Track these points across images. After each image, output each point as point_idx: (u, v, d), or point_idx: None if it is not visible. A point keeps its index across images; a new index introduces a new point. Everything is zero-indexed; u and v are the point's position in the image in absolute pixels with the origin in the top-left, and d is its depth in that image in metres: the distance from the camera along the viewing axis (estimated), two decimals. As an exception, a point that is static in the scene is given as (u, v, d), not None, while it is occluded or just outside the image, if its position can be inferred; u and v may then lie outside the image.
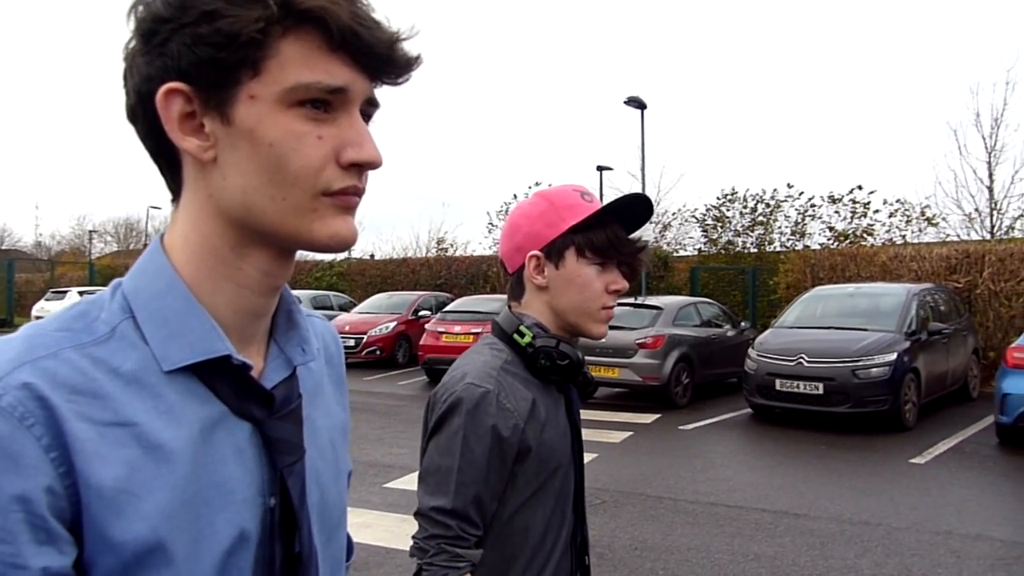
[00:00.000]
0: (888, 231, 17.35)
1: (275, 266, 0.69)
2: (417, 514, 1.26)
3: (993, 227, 16.47)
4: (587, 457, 1.07)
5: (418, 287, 18.79)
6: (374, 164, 0.67)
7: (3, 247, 45.64)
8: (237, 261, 0.68)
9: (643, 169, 16.68)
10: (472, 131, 64.07)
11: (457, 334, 11.95)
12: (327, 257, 21.49)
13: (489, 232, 23.97)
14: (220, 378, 0.67)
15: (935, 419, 8.82)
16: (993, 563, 4.49)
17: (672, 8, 66.52)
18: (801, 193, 18.36)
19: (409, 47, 0.66)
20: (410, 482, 6.08)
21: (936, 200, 18.30)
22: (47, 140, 76.52)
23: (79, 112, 79.83)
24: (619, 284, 1.34)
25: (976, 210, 16.69)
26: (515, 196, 23.84)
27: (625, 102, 15.48)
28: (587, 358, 1.41)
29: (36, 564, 0.56)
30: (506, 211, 22.93)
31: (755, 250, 18.45)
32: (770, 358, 8.75)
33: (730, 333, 11.31)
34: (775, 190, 18.72)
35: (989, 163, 16.69)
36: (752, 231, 18.86)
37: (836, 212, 17.88)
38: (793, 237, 18.31)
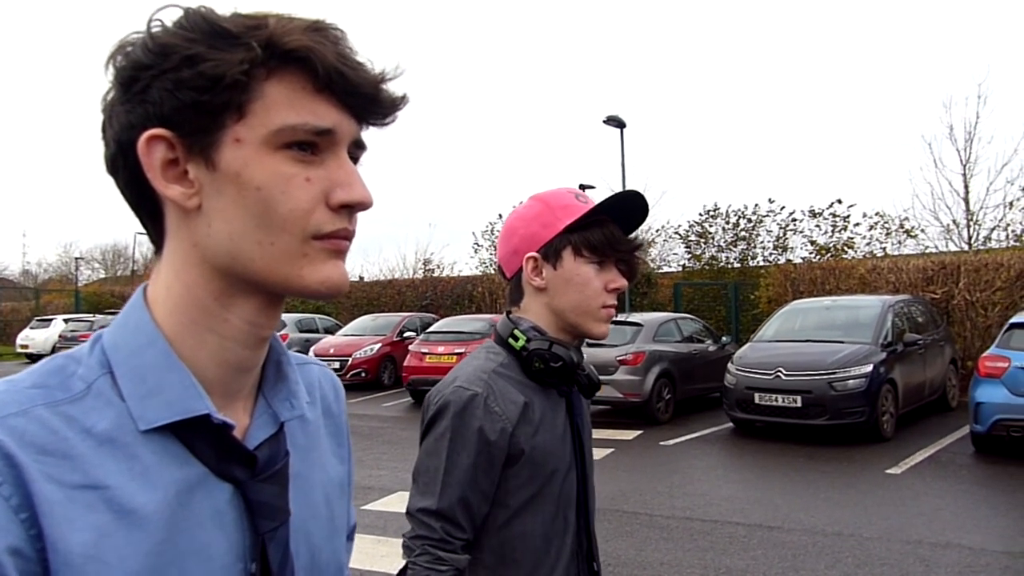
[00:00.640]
0: (868, 244, 17.56)
1: (262, 316, 0.67)
2: (407, 513, 1.27)
3: (970, 238, 16.69)
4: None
5: (404, 308, 18.81)
6: (365, 205, 0.65)
7: (-11, 276, 45.37)
8: (222, 312, 0.65)
9: (623, 187, 16.83)
10: (457, 152, 64.41)
11: (440, 354, 11.96)
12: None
13: (475, 252, 24.05)
14: (199, 438, 0.64)
15: (913, 429, 8.90)
16: (961, 570, 4.55)
17: (652, 27, 67.35)
18: (783, 208, 18.61)
19: (395, 87, 0.65)
20: (388, 504, 6.09)
21: (914, 212, 18.72)
22: (34, 168, 76.37)
23: (66, 139, 79.81)
24: (618, 282, 1.33)
25: (953, 222, 16.94)
26: (500, 216, 23.94)
27: (604, 121, 15.66)
28: None
29: None
30: (491, 231, 23.05)
31: (738, 265, 18.59)
32: (748, 372, 8.82)
33: (711, 348, 11.38)
34: (757, 205, 18.95)
35: (964, 175, 16.97)
36: (735, 246, 19.03)
37: (817, 226, 18.09)
38: (775, 252, 18.48)
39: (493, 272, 20.81)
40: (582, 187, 21.00)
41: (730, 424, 9.37)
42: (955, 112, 22.03)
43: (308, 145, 0.62)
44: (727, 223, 19.19)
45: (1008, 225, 16.28)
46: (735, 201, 25.93)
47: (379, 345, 14.33)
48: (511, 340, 1.32)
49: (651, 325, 10.42)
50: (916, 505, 5.95)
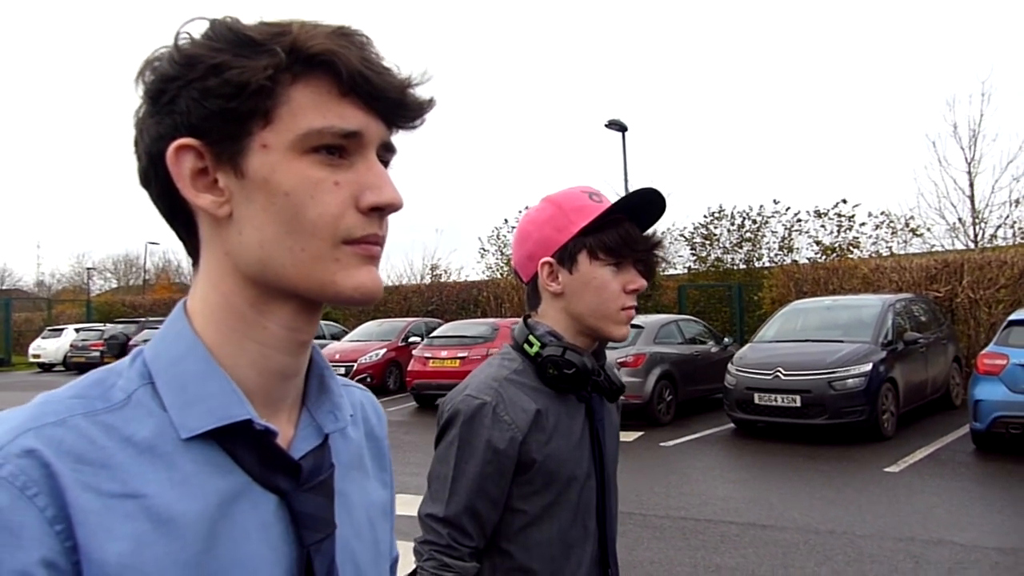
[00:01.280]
0: (874, 243, 17.48)
1: (300, 320, 0.66)
2: (418, 516, 1.27)
3: (976, 236, 16.60)
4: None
5: (410, 314, 18.89)
6: (395, 206, 0.65)
7: (3, 287, 45.90)
8: (260, 319, 0.65)
9: (627, 191, 16.85)
10: (464, 157, 64.64)
11: (444, 359, 12.04)
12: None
13: (481, 257, 24.11)
14: (242, 446, 0.63)
15: (915, 428, 8.88)
16: (951, 567, 4.56)
17: (656, 30, 67.35)
18: (788, 208, 18.52)
19: (421, 91, 0.65)
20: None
21: (920, 211, 18.47)
22: (48, 180, 77.19)
23: (79, 152, 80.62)
24: (637, 283, 1.30)
25: (959, 220, 16.85)
26: (506, 220, 24.01)
27: (606, 125, 15.70)
28: None
29: None
30: (497, 236, 23.13)
31: (744, 266, 18.55)
32: (748, 373, 8.84)
33: (713, 349, 11.39)
34: (762, 206, 18.91)
35: (969, 173, 16.87)
36: (740, 248, 18.98)
37: (822, 226, 17.98)
38: (781, 252, 18.42)
39: (499, 277, 20.87)
40: (586, 191, 21.08)
41: (731, 425, 9.38)
42: (959, 110, 22.09)
43: (336, 149, 0.62)
44: (732, 225, 19.14)
45: (1015, 223, 16.20)
46: (740, 202, 25.95)
47: (384, 350, 14.42)
48: (526, 346, 1.31)
49: (652, 327, 10.45)
50: (911, 503, 5.95)
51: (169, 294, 32.18)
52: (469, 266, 57.38)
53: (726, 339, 12.06)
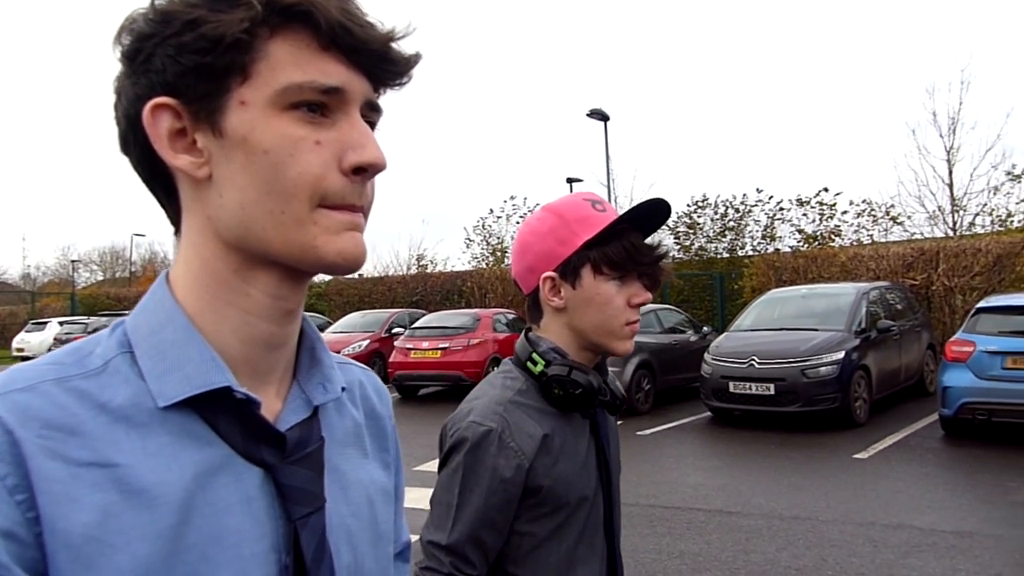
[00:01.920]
0: (856, 231, 17.64)
1: (285, 289, 0.64)
2: (420, 541, 1.23)
3: (955, 224, 16.78)
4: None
5: (395, 304, 18.93)
6: (378, 166, 0.62)
7: (-12, 280, 45.60)
8: (243, 285, 0.63)
9: (609, 180, 16.98)
10: (449, 146, 64.51)
11: (425, 350, 12.09)
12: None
13: (467, 247, 24.17)
14: (224, 416, 0.61)
15: (888, 415, 9.01)
16: (907, 550, 4.66)
17: (637, 19, 67.25)
18: (771, 197, 18.66)
19: (406, 44, 0.63)
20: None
21: (900, 199, 18.72)
22: (33, 172, 76.52)
23: (64, 142, 79.93)
24: (642, 297, 1.26)
25: (939, 208, 17.02)
26: (491, 211, 24.02)
27: (588, 115, 15.73)
28: None
29: None
30: (482, 225, 23.17)
31: (727, 255, 18.68)
32: (723, 361, 8.94)
33: (693, 338, 11.48)
34: (745, 195, 19.01)
35: (948, 161, 17.06)
36: (724, 237, 19.11)
37: (804, 215, 18.16)
38: (764, 241, 18.56)
39: (485, 267, 20.93)
40: (569, 181, 21.14)
41: (708, 414, 9.49)
42: (938, 99, 22.24)
43: (317, 106, 0.60)
44: (716, 214, 19.27)
45: (993, 210, 16.37)
46: (723, 191, 26.08)
47: (367, 342, 14.45)
48: (529, 364, 1.27)
49: (630, 317, 10.51)
50: (875, 488, 6.06)
51: (155, 286, 31.93)
52: (455, 256, 57.42)
53: (705, 328, 12.16)
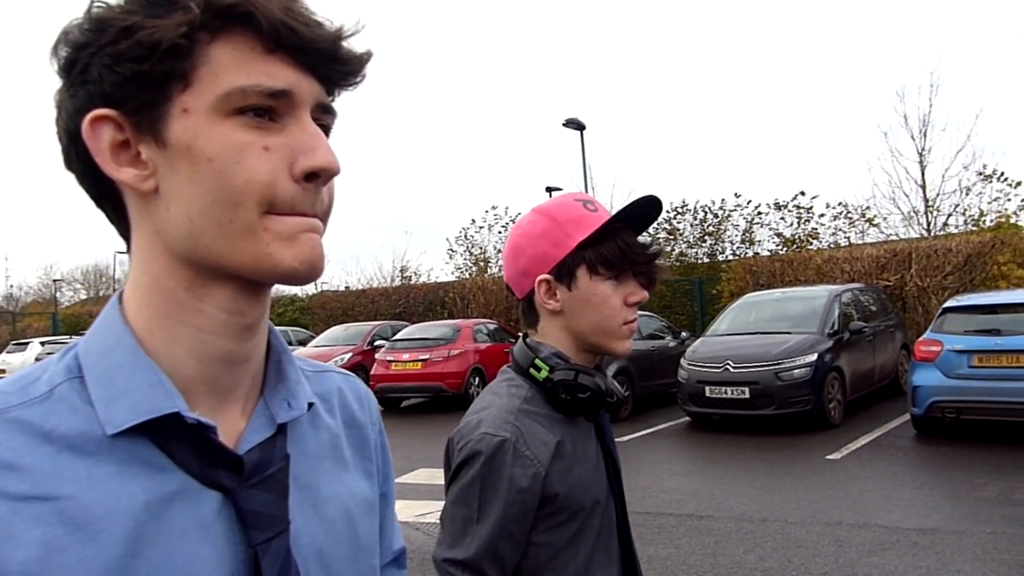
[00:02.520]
0: (834, 234, 17.84)
1: (242, 303, 0.62)
2: (434, 561, 1.20)
3: (929, 225, 17.00)
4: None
5: (378, 316, 18.92)
6: (330, 170, 0.60)
7: (-31, 301, 45.19)
8: (195, 302, 0.60)
9: (587, 188, 17.04)
10: (430, 157, 64.64)
11: (406, 362, 12.13)
12: (290, 290, 21.64)
13: (450, 258, 24.21)
14: (177, 441, 0.59)
15: (863, 415, 9.12)
16: (871, 548, 4.74)
17: (613, 27, 67.78)
18: (749, 202, 18.83)
19: (356, 43, 0.61)
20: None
21: (875, 202, 18.94)
22: (14, 191, 75.96)
23: (45, 160, 79.38)
24: (638, 295, 1.26)
25: (913, 210, 17.25)
26: (473, 221, 24.09)
27: (564, 124, 15.86)
28: None
29: None
30: (465, 236, 23.24)
31: (707, 260, 18.83)
32: (699, 366, 9.04)
33: (671, 344, 11.58)
34: (723, 200, 19.17)
35: (920, 163, 17.31)
36: (704, 242, 19.26)
37: (782, 219, 18.34)
38: (743, 246, 18.73)
39: (467, 277, 20.98)
40: (549, 190, 21.23)
41: (687, 419, 9.57)
42: (909, 101, 22.62)
43: (264, 110, 0.58)
44: (695, 219, 19.41)
45: (965, 211, 16.61)
46: (702, 197, 26.28)
47: (350, 355, 14.45)
48: (532, 370, 1.25)
49: (608, 324, 10.59)
50: (845, 488, 6.15)
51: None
52: (438, 267, 57.47)
53: (684, 334, 12.26)
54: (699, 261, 18.91)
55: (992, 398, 7.15)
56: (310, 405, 0.70)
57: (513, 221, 19.89)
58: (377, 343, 14.66)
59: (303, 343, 17.27)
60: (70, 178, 0.64)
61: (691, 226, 19.42)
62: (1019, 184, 15.83)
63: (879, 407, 9.64)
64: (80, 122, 0.58)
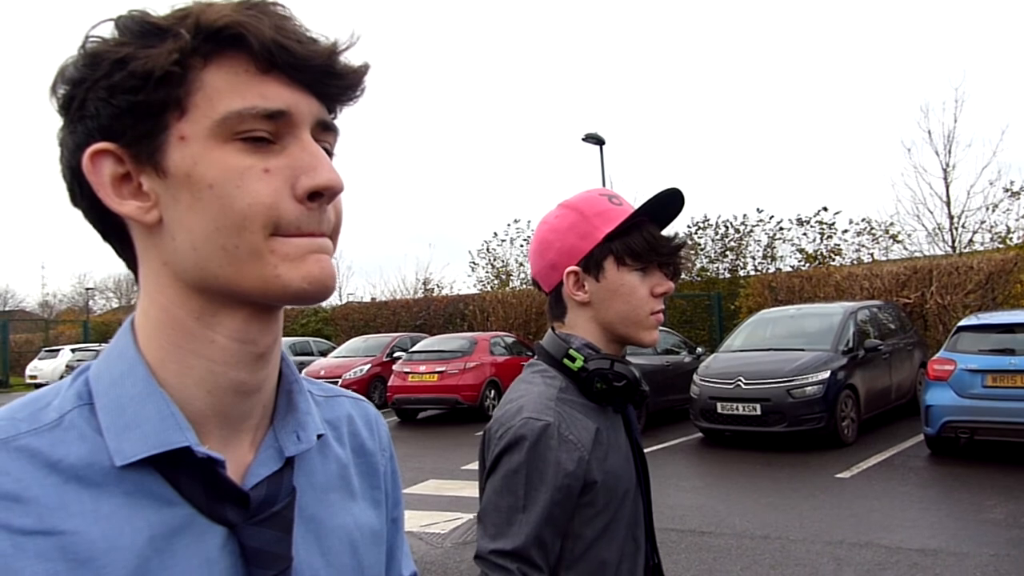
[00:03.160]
0: (857, 251, 17.67)
1: (253, 330, 0.61)
2: (477, 557, 1.18)
3: (954, 242, 16.77)
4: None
5: (399, 328, 19.11)
6: (333, 188, 0.59)
7: (6, 308, 46.36)
8: (206, 332, 0.60)
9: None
10: (455, 170, 65.14)
11: (423, 373, 12.25)
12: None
13: (472, 271, 24.37)
14: (186, 475, 0.58)
15: (877, 434, 9.03)
16: (870, 568, 4.72)
17: (635, 42, 67.90)
18: (771, 217, 18.73)
19: (352, 56, 0.60)
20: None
21: (899, 218, 18.73)
22: (51, 200, 77.95)
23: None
24: (664, 286, 1.29)
25: (938, 226, 17.04)
26: (495, 234, 24.25)
27: (584, 139, 15.95)
28: None
29: None
30: (487, 249, 23.39)
31: (728, 275, 18.74)
32: (711, 382, 9.03)
33: (686, 359, 11.57)
34: (745, 215, 19.10)
35: (945, 180, 17.09)
36: (725, 257, 19.18)
37: (804, 234, 18.22)
38: (764, 261, 18.62)
39: (489, 290, 21.11)
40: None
41: (699, 434, 9.55)
42: (933, 117, 22.44)
43: (263, 138, 0.57)
44: (716, 234, 19.35)
45: (992, 227, 16.37)
46: (724, 212, 26.20)
47: (368, 366, 14.61)
48: (567, 361, 1.26)
49: (622, 339, 10.62)
50: (850, 507, 6.11)
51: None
52: (461, 280, 57.82)
53: (699, 349, 12.24)
54: (720, 276, 18.83)
55: (1006, 419, 7.06)
56: (319, 436, 0.69)
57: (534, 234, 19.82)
58: (396, 355, 14.82)
59: (324, 354, 17.50)
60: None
61: (712, 241, 19.37)
62: (1047, 201, 15.60)
63: (895, 426, 9.53)
64: (81, 158, 0.58)
